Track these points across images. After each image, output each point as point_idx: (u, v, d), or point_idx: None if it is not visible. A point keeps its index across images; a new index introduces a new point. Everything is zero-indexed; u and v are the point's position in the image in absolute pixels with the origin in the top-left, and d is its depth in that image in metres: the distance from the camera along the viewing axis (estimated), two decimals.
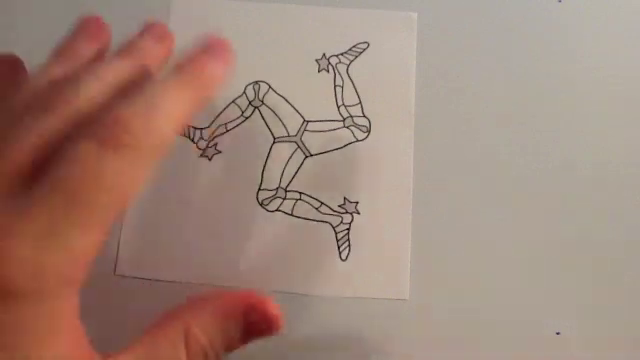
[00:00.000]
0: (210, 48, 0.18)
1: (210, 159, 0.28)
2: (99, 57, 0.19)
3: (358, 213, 0.27)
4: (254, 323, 0.17)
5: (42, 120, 0.15)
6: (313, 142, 0.29)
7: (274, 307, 0.17)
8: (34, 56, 0.19)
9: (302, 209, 0.27)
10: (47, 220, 0.13)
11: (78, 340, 0.15)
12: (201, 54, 0.17)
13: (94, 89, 0.16)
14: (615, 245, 0.27)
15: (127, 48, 0.19)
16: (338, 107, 0.29)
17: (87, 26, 0.20)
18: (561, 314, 0.26)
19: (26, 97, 0.16)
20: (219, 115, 0.29)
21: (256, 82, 0.30)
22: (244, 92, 0.29)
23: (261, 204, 0.27)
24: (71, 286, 0.14)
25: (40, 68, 0.18)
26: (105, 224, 0.14)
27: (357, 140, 0.29)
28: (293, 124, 0.29)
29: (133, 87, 0.16)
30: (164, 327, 0.16)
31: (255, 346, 0.25)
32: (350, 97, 0.30)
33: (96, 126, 0.14)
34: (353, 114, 0.29)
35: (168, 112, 0.15)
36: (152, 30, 0.20)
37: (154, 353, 0.16)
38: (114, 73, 0.16)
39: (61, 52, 0.19)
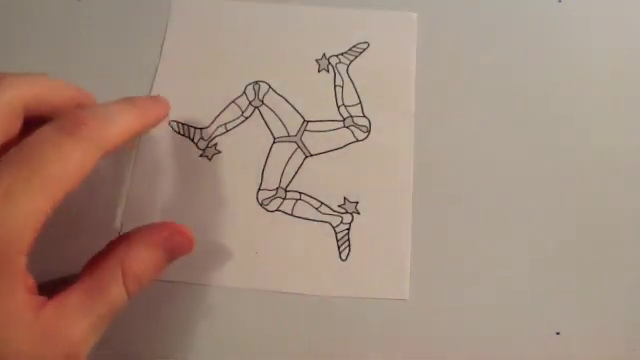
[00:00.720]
0: (155, 97, 0.25)
1: (210, 159, 0.28)
2: None
3: (358, 213, 0.27)
4: (176, 244, 0.21)
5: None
6: (313, 142, 0.29)
7: (187, 229, 0.21)
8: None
9: (302, 209, 0.27)
10: (5, 186, 0.16)
11: (30, 289, 0.17)
12: (148, 98, 0.24)
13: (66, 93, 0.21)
14: (615, 245, 0.27)
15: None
16: (338, 107, 0.29)
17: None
18: (561, 314, 0.26)
19: None
20: (219, 115, 0.29)
21: (256, 82, 0.30)
22: (244, 92, 0.30)
23: (261, 204, 0.27)
24: (22, 241, 0.17)
25: None
26: (52, 196, 0.17)
27: (357, 140, 0.29)
28: (293, 124, 0.29)
29: (95, 105, 0.22)
30: (100, 264, 0.19)
31: (256, 345, 0.25)
32: (350, 97, 0.30)
33: (61, 118, 0.18)
34: (353, 114, 0.29)
35: (118, 123, 0.20)
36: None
37: (97, 285, 0.19)
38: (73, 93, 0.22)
39: None
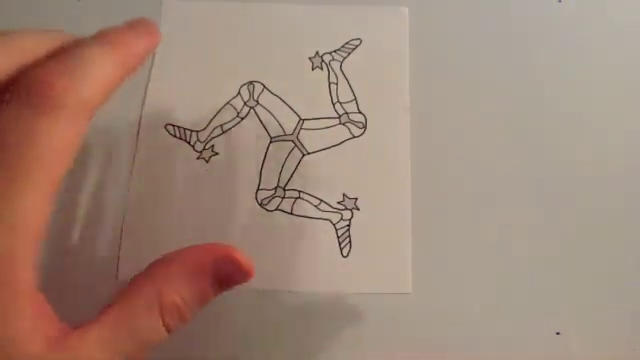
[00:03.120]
0: (136, 25, 0.17)
1: (207, 161, 0.28)
2: None
3: (358, 209, 0.27)
4: (226, 273, 0.17)
5: None
6: (310, 140, 0.29)
7: (241, 254, 0.17)
8: None
9: (301, 207, 0.27)
10: None
11: (42, 311, 0.14)
12: (126, 29, 0.17)
13: (29, 43, 0.15)
14: (615, 245, 0.27)
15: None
16: (333, 104, 0.29)
17: None
18: (561, 314, 0.26)
19: None
20: (215, 117, 0.29)
21: (250, 82, 0.30)
22: (239, 93, 0.29)
23: (260, 204, 0.27)
24: (20, 259, 0.14)
25: None
26: (43, 190, 0.14)
27: (354, 136, 0.29)
28: (289, 123, 0.29)
29: (60, 51, 0.15)
30: (136, 293, 0.16)
31: (258, 344, 0.25)
32: (345, 94, 0.30)
33: (20, 87, 0.14)
34: (348, 110, 0.29)
35: (93, 74, 0.15)
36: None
37: (127, 318, 0.15)
38: (44, 37, 0.16)
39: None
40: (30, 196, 0.13)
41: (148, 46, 0.17)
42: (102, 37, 0.16)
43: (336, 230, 0.27)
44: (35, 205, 0.14)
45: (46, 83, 0.14)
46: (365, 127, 0.29)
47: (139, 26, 0.17)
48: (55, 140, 0.14)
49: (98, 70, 0.15)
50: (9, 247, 0.13)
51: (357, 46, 0.31)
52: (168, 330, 0.16)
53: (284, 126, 0.29)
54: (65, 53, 0.15)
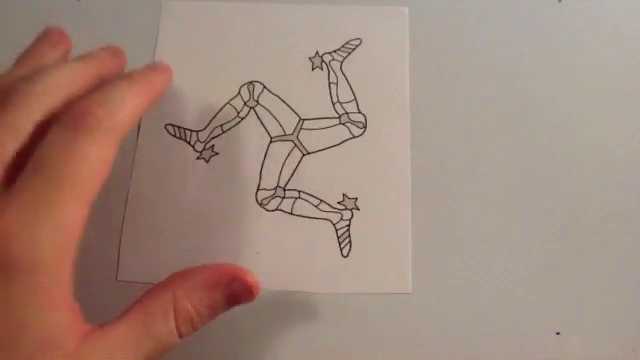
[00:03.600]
0: (154, 66, 0.22)
1: (207, 161, 0.28)
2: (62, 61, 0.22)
3: (357, 209, 0.27)
4: (236, 291, 0.19)
5: (18, 116, 0.17)
6: (310, 140, 0.29)
7: (252, 276, 0.19)
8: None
9: (301, 207, 0.27)
10: (32, 198, 0.15)
11: (74, 313, 0.16)
12: (147, 70, 0.22)
13: (62, 80, 0.19)
14: (615, 245, 0.27)
15: (85, 56, 0.21)
16: (333, 104, 0.29)
17: (49, 34, 0.22)
18: (561, 314, 0.26)
19: None
20: (215, 117, 0.29)
21: (250, 82, 0.30)
22: (239, 93, 0.29)
23: (260, 204, 0.27)
24: (63, 258, 0.16)
25: (6, 71, 0.20)
26: (84, 198, 0.16)
27: (353, 136, 0.29)
28: (289, 123, 0.29)
29: (94, 86, 0.19)
30: (154, 297, 0.18)
31: (259, 344, 0.25)
32: (345, 94, 0.30)
33: (66, 115, 0.17)
34: (348, 110, 0.29)
35: (126, 105, 0.18)
36: (109, 47, 0.23)
37: (146, 321, 0.17)
38: (77, 71, 0.19)
39: (25, 57, 0.21)
40: (72, 203, 0.16)
41: (165, 81, 0.22)
42: (130, 76, 0.20)
43: (336, 230, 0.27)
44: (76, 211, 0.16)
45: (88, 111, 0.17)
46: (365, 127, 0.29)
47: (157, 67, 0.22)
48: (93, 156, 0.17)
49: (128, 102, 0.18)
50: (57, 244, 0.15)
51: (357, 46, 0.31)
52: (180, 335, 0.18)
53: (284, 126, 0.29)
54: (102, 89, 0.18)
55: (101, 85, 0.19)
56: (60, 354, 0.15)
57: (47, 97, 0.18)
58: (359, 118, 0.29)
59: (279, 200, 0.27)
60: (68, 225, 0.16)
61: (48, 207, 0.15)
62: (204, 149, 0.28)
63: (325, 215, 0.27)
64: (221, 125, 0.29)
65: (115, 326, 0.17)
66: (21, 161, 0.16)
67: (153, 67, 0.22)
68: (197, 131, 0.29)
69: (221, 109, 0.29)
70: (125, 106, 0.18)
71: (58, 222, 0.15)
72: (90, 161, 0.16)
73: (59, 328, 0.15)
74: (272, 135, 0.29)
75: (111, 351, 0.16)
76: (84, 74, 0.19)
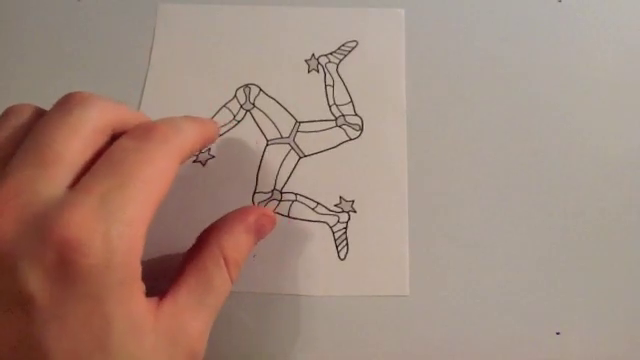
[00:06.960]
0: (204, 118, 0.23)
1: (204, 164, 0.28)
2: None
3: (354, 212, 0.27)
4: (263, 225, 0.22)
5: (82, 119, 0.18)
6: (306, 143, 0.29)
7: (270, 210, 0.24)
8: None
9: (298, 210, 0.27)
10: (103, 194, 0.16)
11: (144, 294, 0.17)
12: (201, 118, 0.23)
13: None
14: (615, 245, 0.27)
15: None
16: (330, 107, 0.29)
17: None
18: (561, 314, 0.26)
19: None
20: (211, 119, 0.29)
21: (246, 85, 0.30)
22: (235, 96, 0.29)
23: None
24: (136, 249, 0.16)
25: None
26: (152, 199, 0.17)
27: (350, 139, 0.29)
28: (285, 126, 0.29)
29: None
30: (203, 254, 0.20)
31: (256, 347, 0.25)
32: (341, 96, 0.30)
33: (136, 127, 0.18)
34: (345, 113, 0.29)
35: (187, 131, 0.19)
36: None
37: (203, 277, 0.19)
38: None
39: None
40: (142, 201, 0.16)
41: (216, 131, 0.23)
42: (189, 116, 0.21)
43: (333, 233, 0.27)
44: (146, 208, 0.17)
45: (156, 128, 0.18)
46: (362, 129, 0.29)
47: (209, 120, 0.25)
48: (161, 163, 0.17)
49: (189, 129, 0.20)
50: (130, 236, 0.16)
51: (353, 48, 0.31)
52: (232, 281, 0.20)
53: (280, 129, 0.29)
54: (166, 118, 0.20)
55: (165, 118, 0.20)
56: (147, 331, 0.17)
57: (116, 109, 0.19)
58: (355, 120, 0.29)
59: (276, 203, 0.27)
60: (138, 220, 0.16)
61: (121, 201, 0.16)
62: (200, 152, 0.28)
63: (322, 218, 0.27)
64: None
65: (176, 291, 0.18)
66: (84, 164, 0.17)
67: (205, 119, 0.23)
68: None
69: (217, 112, 0.29)
70: (188, 133, 0.19)
71: (130, 215, 0.16)
72: (159, 167, 0.17)
73: (139, 314, 0.17)
74: (268, 138, 0.29)
75: (184, 313, 0.18)
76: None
